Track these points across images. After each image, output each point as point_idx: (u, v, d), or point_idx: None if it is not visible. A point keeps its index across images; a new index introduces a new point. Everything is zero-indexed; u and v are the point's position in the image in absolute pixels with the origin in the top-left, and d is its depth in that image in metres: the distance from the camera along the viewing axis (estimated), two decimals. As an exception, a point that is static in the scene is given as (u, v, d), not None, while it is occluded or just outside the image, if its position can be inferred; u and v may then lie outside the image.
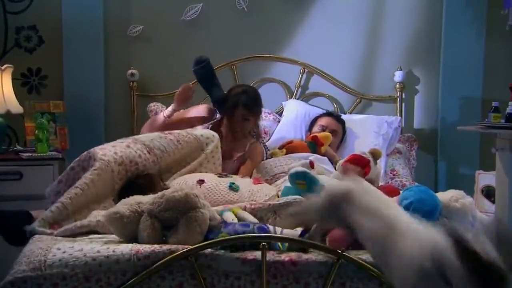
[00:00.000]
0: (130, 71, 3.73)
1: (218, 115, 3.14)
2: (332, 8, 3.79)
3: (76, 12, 3.65)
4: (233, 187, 2.28)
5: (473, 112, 3.62)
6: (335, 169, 2.89)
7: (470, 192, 3.36)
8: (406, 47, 3.78)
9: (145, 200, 1.99)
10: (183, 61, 3.66)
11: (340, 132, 3.38)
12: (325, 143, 3.13)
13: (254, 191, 2.33)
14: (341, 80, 3.80)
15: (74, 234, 2.03)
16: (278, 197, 2.36)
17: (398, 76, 3.71)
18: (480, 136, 3.64)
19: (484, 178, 3.36)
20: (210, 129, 2.98)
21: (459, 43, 3.66)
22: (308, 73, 3.83)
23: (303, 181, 2.15)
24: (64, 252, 1.81)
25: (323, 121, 3.38)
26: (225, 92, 3.12)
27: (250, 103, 2.97)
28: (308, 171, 2.17)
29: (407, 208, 1.93)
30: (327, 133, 3.20)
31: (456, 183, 3.48)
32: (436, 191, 3.66)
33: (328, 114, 3.46)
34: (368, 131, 3.48)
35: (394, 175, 3.32)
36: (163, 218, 1.89)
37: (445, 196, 2.00)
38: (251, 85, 3.66)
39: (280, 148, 3.19)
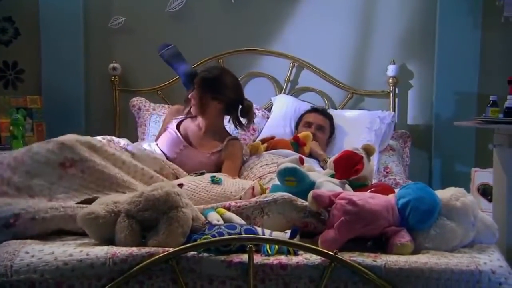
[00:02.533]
0: (111, 65, 3.67)
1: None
2: (323, 0, 3.70)
3: (54, 2, 3.58)
4: (215, 180, 2.16)
5: (468, 107, 3.53)
6: (322, 168, 2.85)
7: (465, 190, 3.27)
8: (399, 40, 3.70)
9: (122, 199, 1.88)
10: None
11: (327, 127, 3.28)
12: (307, 142, 3.02)
13: (238, 181, 2.24)
14: (332, 74, 3.72)
15: (45, 236, 1.90)
16: (266, 186, 2.26)
17: (391, 70, 3.63)
18: (476, 132, 3.55)
19: (481, 176, 3.27)
20: (179, 122, 2.91)
21: (454, 36, 3.55)
22: (298, 67, 3.75)
23: (293, 178, 2.03)
24: (32, 256, 1.71)
25: (309, 117, 3.29)
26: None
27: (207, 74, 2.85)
28: (298, 167, 2.04)
29: (404, 206, 1.83)
30: (306, 132, 3.09)
31: (451, 180, 3.43)
32: None
33: (314, 109, 3.36)
34: (360, 127, 3.40)
35: (387, 172, 3.24)
36: (142, 219, 1.79)
37: (445, 194, 1.89)
38: (239, 79, 3.56)
39: (262, 142, 3.06)
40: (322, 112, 3.33)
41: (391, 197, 1.90)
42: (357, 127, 3.38)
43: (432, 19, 3.63)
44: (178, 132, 2.85)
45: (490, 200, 3.14)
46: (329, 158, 2.96)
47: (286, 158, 2.23)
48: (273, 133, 3.29)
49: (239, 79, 3.62)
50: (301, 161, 2.19)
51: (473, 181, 3.31)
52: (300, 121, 3.32)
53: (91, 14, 3.69)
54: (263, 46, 3.73)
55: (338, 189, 2.01)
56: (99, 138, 2.53)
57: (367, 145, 2.29)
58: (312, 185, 2.03)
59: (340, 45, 3.70)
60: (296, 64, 3.72)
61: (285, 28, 3.73)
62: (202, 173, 2.30)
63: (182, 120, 2.94)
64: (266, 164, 2.73)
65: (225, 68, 3.09)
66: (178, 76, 3.64)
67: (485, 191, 3.25)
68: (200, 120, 2.88)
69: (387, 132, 3.41)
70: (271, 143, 3.00)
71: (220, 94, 2.81)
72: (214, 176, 2.18)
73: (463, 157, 3.59)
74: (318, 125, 3.23)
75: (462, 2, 3.54)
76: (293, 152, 2.87)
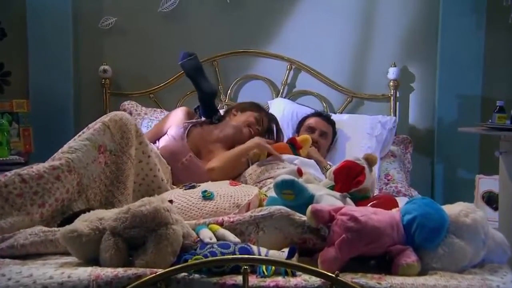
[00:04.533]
0: (102, 67, 3.60)
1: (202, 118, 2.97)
2: (322, 0, 3.62)
3: (42, 2, 3.48)
4: (206, 196, 2.05)
5: (472, 111, 3.45)
6: (322, 173, 2.76)
7: (469, 197, 3.21)
8: (400, 42, 3.61)
9: (107, 215, 1.76)
10: (159, 57, 3.61)
11: (330, 134, 3.19)
12: (304, 147, 2.93)
13: (233, 194, 2.12)
14: (331, 77, 3.64)
15: (24, 255, 1.80)
16: (263, 197, 2.14)
17: (392, 73, 3.54)
18: (480, 137, 3.47)
19: (485, 183, 3.20)
20: (190, 128, 2.82)
21: (457, 37, 3.46)
22: (295, 70, 3.67)
23: (291, 191, 1.91)
24: (9, 279, 1.58)
25: (311, 122, 3.18)
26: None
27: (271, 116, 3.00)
28: (296, 179, 1.93)
29: (410, 223, 1.71)
30: (306, 136, 2.99)
31: (454, 187, 3.42)
32: (432, 196, 3.51)
33: (317, 114, 3.26)
34: (360, 132, 3.31)
35: (388, 180, 3.15)
36: (129, 237, 1.67)
37: (453, 210, 1.77)
38: (235, 83, 3.67)
39: None
40: (326, 117, 3.23)
41: (395, 213, 1.78)
42: (358, 133, 3.29)
43: (435, 19, 3.55)
44: (186, 140, 2.75)
45: (495, 209, 3.07)
46: (329, 165, 2.87)
47: (284, 170, 2.12)
48: (269, 139, 3.22)
49: (235, 83, 3.64)
50: (300, 173, 2.08)
51: (478, 189, 3.23)
52: (302, 125, 3.22)
53: (80, 14, 3.61)
54: (259, 47, 3.65)
55: (339, 203, 1.90)
56: None
57: (368, 155, 2.20)
58: (311, 198, 1.92)
59: (339, 46, 3.61)
60: (293, 67, 3.63)
61: (282, 29, 3.64)
62: (192, 186, 2.17)
63: (193, 125, 2.85)
64: (266, 170, 2.63)
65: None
66: (171, 79, 3.59)
67: (490, 199, 3.19)
68: (218, 131, 2.84)
69: (388, 137, 3.33)
70: None
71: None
72: (205, 191, 2.06)
73: (466, 163, 3.50)
74: (322, 131, 3.13)
75: (466, 2, 3.46)
76: (295, 157, 2.78)
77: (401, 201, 2.76)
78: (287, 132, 3.33)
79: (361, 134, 3.27)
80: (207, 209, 2.02)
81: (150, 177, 2.30)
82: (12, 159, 3.02)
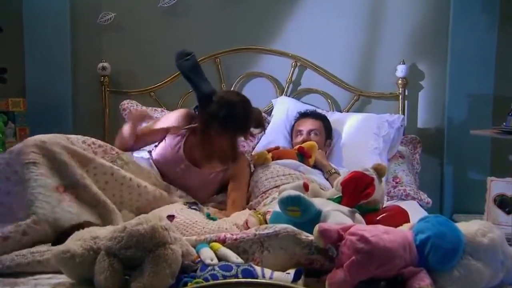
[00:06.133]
0: (101, 64, 3.53)
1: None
2: (327, -6, 3.54)
3: None
4: (210, 217, 2.06)
5: (484, 110, 3.34)
6: (327, 180, 2.71)
7: (480, 200, 3.11)
8: (409, 38, 3.50)
9: (102, 234, 1.67)
10: (160, 53, 3.53)
11: (320, 128, 3.06)
12: (313, 154, 2.84)
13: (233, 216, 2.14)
14: (337, 75, 3.54)
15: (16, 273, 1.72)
16: (266, 215, 2.05)
17: (400, 70, 3.43)
18: (491, 138, 3.34)
19: (497, 186, 3.11)
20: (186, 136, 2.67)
21: (469, 34, 3.35)
22: (300, 67, 3.57)
23: (297, 208, 1.82)
24: None
25: (298, 125, 3.10)
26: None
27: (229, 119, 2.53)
28: (302, 195, 1.83)
29: (423, 244, 1.61)
30: (311, 143, 2.89)
31: (464, 190, 3.33)
32: (441, 198, 3.41)
33: (301, 115, 3.15)
34: (367, 132, 3.20)
35: (397, 183, 3.06)
36: (125, 257, 1.58)
37: (469, 229, 1.67)
38: (237, 81, 3.55)
39: (268, 151, 2.88)
40: (311, 114, 3.13)
41: (407, 232, 1.68)
42: (364, 133, 3.19)
43: (445, 15, 3.43)
44: (182, 148, 2.61)
45: (508, 213, 3.01)
46: (334, 169, 2.78)
47: (289, 185, 2.03)
48: (274, 139, 3.15)
49: (237, 80, 3.55)
50: (306, 188, 1.98)
51: (489, 191, 3.14)
52: (293, 131, 3.13)
53: (78, 9, 3.54)
54: (263, 44, 3.55)
55: (348, 221, 1.80)
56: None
57: (378, 164, 2.10)
58: (318, 214, 1.82)
59: (346, 43, 3.51)
60: (298, 64, 3.54)
61: (287, 25, 3.55)
62: (195, 203, 2.10)
63: (191, 132, 2.69)
64: (272, 177, 2.57)
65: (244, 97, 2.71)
66: (172, 77, 3.52)
67: (503, 203, 3.10)
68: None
69: (396, 137, 3.23)
70: (276, 154, 2.82)
71: (245, 132, 2.62)
72: (209, 214, 2.01)
73: (477, 165, 3.41)
74: (309, 130, 3.02)
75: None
76: (300, 163, 2.72)
77: (411, 205, 2.69)
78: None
79: (368, 135, 3.16)
80: (209, 227, 2.00)
81: (124, 191, 2.23)
82: (7, 162, 2.94)
